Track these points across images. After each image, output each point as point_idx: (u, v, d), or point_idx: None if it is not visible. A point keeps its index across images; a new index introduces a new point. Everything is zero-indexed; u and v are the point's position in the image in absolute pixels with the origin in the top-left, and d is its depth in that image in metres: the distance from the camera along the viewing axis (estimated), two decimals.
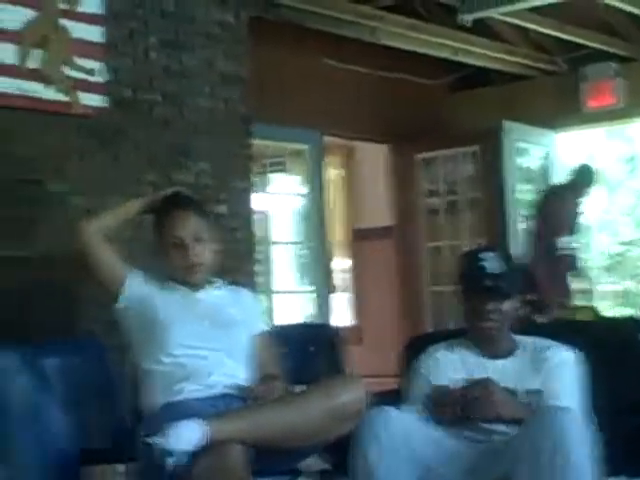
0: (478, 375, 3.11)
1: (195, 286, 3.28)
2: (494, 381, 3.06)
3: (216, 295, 3.31)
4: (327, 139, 7.32)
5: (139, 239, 4.14)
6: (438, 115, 7.93)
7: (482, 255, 3.24)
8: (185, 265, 3.24)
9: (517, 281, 3.32)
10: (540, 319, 4.22)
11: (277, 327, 3.61)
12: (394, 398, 3.19)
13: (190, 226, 3.26)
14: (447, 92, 8.19)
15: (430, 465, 2.94)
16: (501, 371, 3.13)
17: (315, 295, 7.04)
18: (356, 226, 9.50)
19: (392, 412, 2.94)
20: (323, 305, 7.08)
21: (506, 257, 3.35)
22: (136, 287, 3.25)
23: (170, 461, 2.55)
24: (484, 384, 3.04)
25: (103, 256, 3.27)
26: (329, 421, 2.87)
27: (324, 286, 7.14)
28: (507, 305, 3.21)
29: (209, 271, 3.34)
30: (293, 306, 7.08)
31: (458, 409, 3.00)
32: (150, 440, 2.58)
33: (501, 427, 3.02)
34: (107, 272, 3.27)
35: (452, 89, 8.22)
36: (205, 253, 3.27)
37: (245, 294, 3.45)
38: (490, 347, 3.24)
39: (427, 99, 7.86)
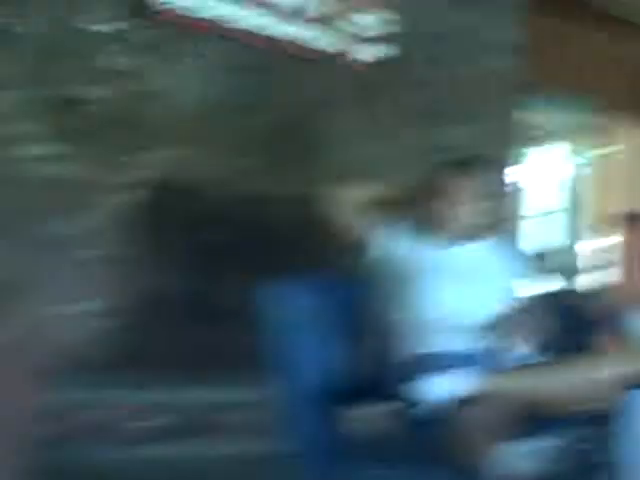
0: None
1: (455, 240, 3.25)
2: None
3: (476, 249, 3.27)
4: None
5: None
6: None
7: None
8: (451, 216, 3.22)
9: None
10: None
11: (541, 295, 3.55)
12: None
13: (470, 182, 3.25)
14: None
15: None
16: None
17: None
18: (628, 208, 9.16)
19: None
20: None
21: None
22: (393, 244, 3.26)
23: (441, 407, 2.59)
24: None
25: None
26: (592, 392, 2.81)
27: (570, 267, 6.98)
28: None
29: (470, 229, 3.28)
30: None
31: None
32: (425, 385, 2.62)
33: None
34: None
35: None
36: (474, 212, 3.24)
37: (505, 248, 3.39)
38: None
39: None
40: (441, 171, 3.34)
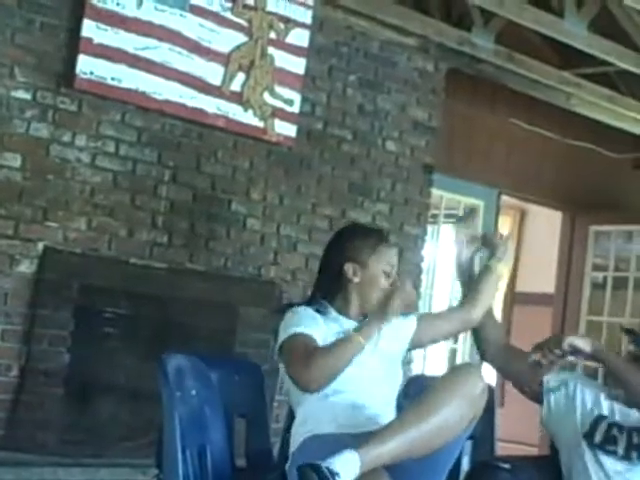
0: None
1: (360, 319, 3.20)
2: None
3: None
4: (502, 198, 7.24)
5: None
6: (619, 190, 7.75)
7: None
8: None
9: None
10: None
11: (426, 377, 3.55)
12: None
13: (396, 258, 3.20)
14: (631, 168, 8.00)
15: None
16: None
17: (468, 351, 6.98)
18: (516, 289, 9.39)
19: None
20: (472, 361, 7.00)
21: None
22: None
23: None
24: None
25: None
26: (465, 409, 2.79)
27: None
28: None
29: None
30: (442, 357, 7.03)
31: None
32: (322, 465, 2.57)
33: None
34: None
35: (637, 166, 8.03)
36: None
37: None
38: None
39: (610, 172, 7.68)
40: None
